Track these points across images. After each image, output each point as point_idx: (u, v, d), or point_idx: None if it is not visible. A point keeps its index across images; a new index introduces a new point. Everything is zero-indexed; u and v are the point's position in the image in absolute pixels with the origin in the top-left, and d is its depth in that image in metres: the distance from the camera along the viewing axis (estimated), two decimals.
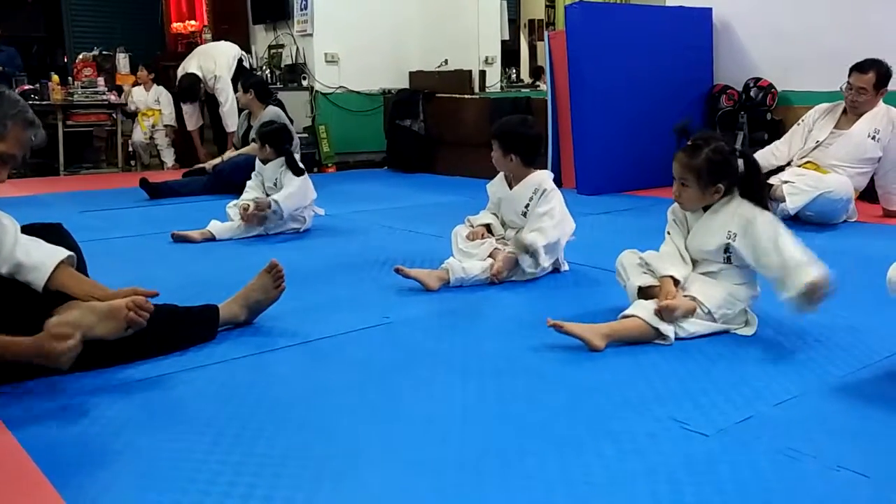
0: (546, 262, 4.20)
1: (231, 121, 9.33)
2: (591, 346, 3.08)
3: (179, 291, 3.51)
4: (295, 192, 5.61)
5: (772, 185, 5.65)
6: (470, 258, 4.17)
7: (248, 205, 5.60)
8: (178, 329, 3.16)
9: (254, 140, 7.51)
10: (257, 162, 5.91)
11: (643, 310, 3.20)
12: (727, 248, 3.30)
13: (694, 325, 3.21)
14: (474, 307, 3.81)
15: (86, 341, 2.71)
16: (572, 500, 2.02)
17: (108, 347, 2.89)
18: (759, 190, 3.32)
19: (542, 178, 4.30)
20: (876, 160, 5.89)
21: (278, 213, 5.56)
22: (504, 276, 4.13)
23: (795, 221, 5.62)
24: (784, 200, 5.56)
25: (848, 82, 5.93)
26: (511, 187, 4.35)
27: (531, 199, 4.25)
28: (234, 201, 5.76)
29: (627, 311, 3.24)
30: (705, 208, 3.38)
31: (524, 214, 4.28)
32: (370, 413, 2.58)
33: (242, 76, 8.78)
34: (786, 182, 5.73)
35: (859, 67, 5.91)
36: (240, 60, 9.86)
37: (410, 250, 4.91)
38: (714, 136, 3.34)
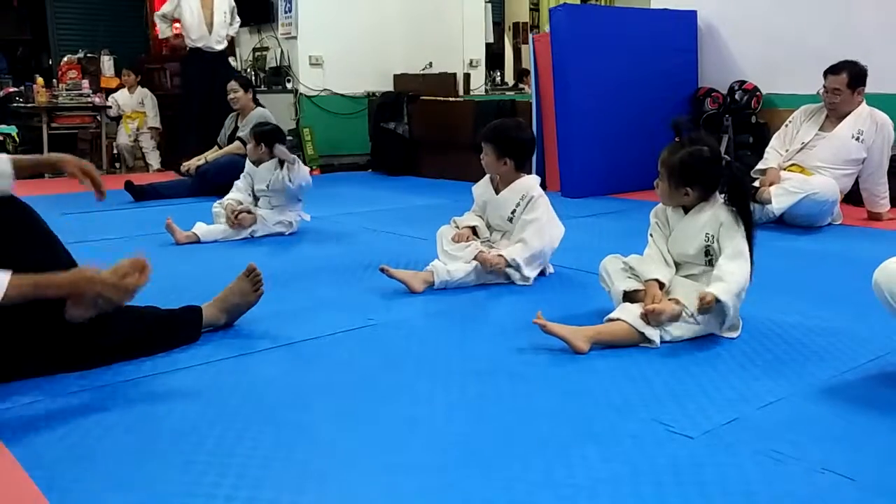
0: (532, 272, 4.20)
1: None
2: (574, 349, 3.08)
3: (163, 294, 3.49)
4: (298, 170, 5.59)
5: (757, 189, 5.66)
6: (454, 260, 4.16)
7: (234, 206, 5.58)
8: (160, 331, 3.15)
9: (239, 139, 7.53)
10: (247, 163, 5.87)
11: (628, 313, 3.20)
12: (708, 251, 3.31)
13: (679, 329, 3.21)
14: (459, 310, 3.81)
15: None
16: (556, 501, 2.01)
17: (91, 349, 2.89)
18: (741, 201, 3.31)
19: (530, 184, 4.29)
20: (860, 161, 5.91)
21: (265, 222, 5.59)
22: (491, 264, 4.11)
23: (781, 224, 5.64)
24: (770, 202, 5.57)
25: (823, 85, 5.96)
26: (497, 191, 4.33)
27: (518, 204, 4.24)
28: (220, 201, 5.74)
29: (613, 315, 3.24)
30: (686, 210, 3.39)
31: (510, 220, 4.27)
32: (354, 415, 2.57)
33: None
34: (771, 184, 5.75)
35: (832, 69, 5.96)
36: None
37: (395, 253, 4.90)
38: (702, 139, 3.34)
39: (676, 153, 3.28)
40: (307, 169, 5.71)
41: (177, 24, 9.77)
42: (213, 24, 9.42)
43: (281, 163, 5.65)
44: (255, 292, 3.44)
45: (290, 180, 5.53)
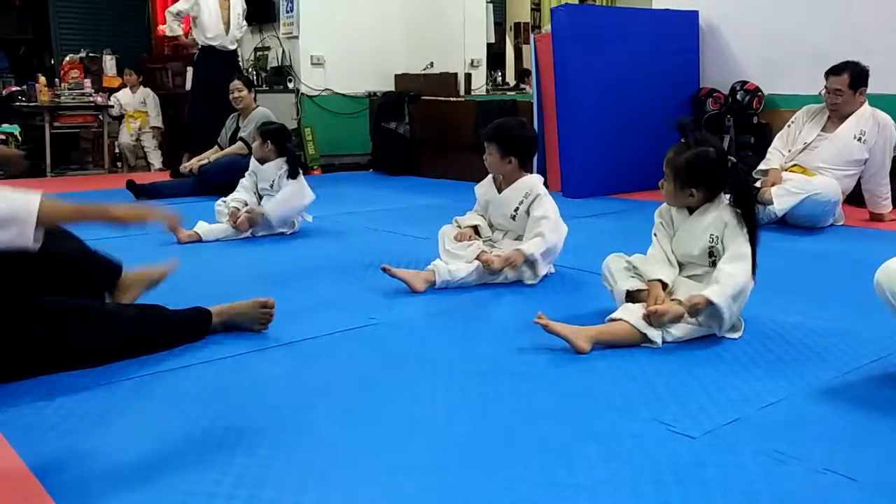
0: (545, 269, 4.19)
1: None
2: (576, 348, 3.08)
3: (165, 293, 3.50)
4: (283, 200, 5.60)
5: (758, 189, 5.66)
6: (456, 260, 4.15)
7: (238, 209, 5.58)
8: (165, 334, 3.13)
9: (241, 139, 7.53)
10: (252, 161, 5.87)
11: (630, 314, 3.19)
12: (711, 252, 3.31)
13: (681, 329, 3.21)
14: (460, 309, 3.81)
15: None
16: (557, 501, 2.01)
17: (95, 347, 2.90)
18: (745, 203, 3.31)
19: (533, 182, 4.29)
20: (862, 162, 5.91)
21: (267, 222, 5.57)
22: (495, 266, 4.11)
23: (783, 225, 5.63)
24: (772, 203, 5.57)
25: (825, 86, 5.96)
26: (500, 190, 4.33)
27: (521, 202, 4.24)
28: (224, 199, 5.74)
29: (614, 315, 3.23)
30: (690, 210, 3.38)
31: (513, 218, 4.27)
32: (355, 414, 2.57)
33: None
34: (773, 185, 5.74)
35: (833, 70, 5.96)
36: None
37: (396, 252, 4.90)
38: (707, 140, 3.33)
39: (682, 154, 3.27)
40: (293, 193, 5.69)
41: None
42: (230, 23, 9.43)
43: (291, 170, 5.65)
44: (261, 324, 3.40)
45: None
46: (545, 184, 4.37)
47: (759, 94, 7.74)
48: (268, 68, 10.83)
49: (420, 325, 3.58)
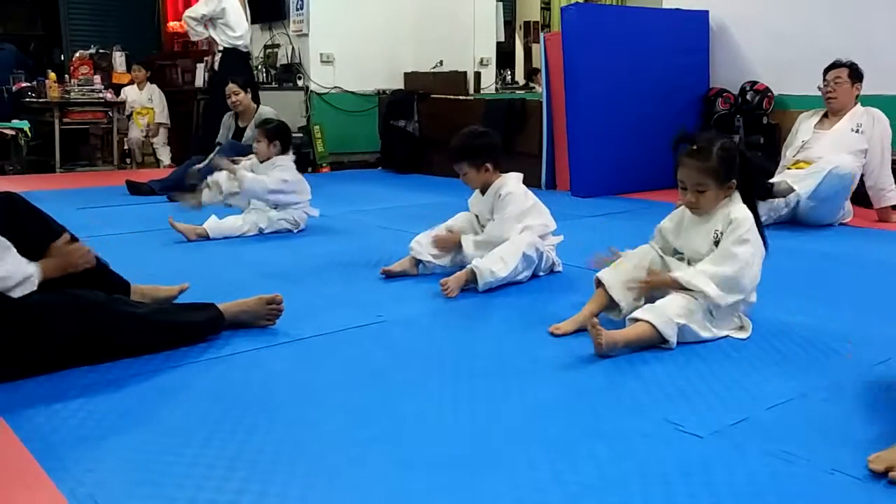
0: (498, 266, 4.07)
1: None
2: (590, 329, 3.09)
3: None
4: (258, 178, 5.61)
5: (774, 184, 5.63)
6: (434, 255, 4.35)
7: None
8: (174, 339, 3.14)
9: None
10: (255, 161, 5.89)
11: (653, 314, 3.17)
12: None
13: (696, 327, 3.18)
14: (468, 308, 3.81)
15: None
16: (564, 500, 2.02)
17: (109, 343, 2.92)
18: (757, 186, 3.33)
19: (503, 181, 4.30)
20: (863, 153, 5.93)
21: (241, 192, 5.62)
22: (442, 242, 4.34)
23: (791, 224, 5.63)
24: (792, 191, 5.54)
25: (824, 79, 5.99)
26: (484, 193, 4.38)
27: (493, 203, 4.27)
28: (214, 176, 5.73)
29: (635, 314, 3.20)
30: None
31: (491, 220, 4.30)
32: (362, 411, 2.58)
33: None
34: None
35: (833, 65, 6.09)
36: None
37: (403, 250, 4.87)
38: (715, 135, 3.33)
39: (710, 156, 3.22)
40: (273, 178, 5.65)
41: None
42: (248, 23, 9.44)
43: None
44: (268, 320, 3.41)
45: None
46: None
47: (769, 94, 7.73)
48: (277, 66, 10.83)
49: (428, 322, 3.59)
